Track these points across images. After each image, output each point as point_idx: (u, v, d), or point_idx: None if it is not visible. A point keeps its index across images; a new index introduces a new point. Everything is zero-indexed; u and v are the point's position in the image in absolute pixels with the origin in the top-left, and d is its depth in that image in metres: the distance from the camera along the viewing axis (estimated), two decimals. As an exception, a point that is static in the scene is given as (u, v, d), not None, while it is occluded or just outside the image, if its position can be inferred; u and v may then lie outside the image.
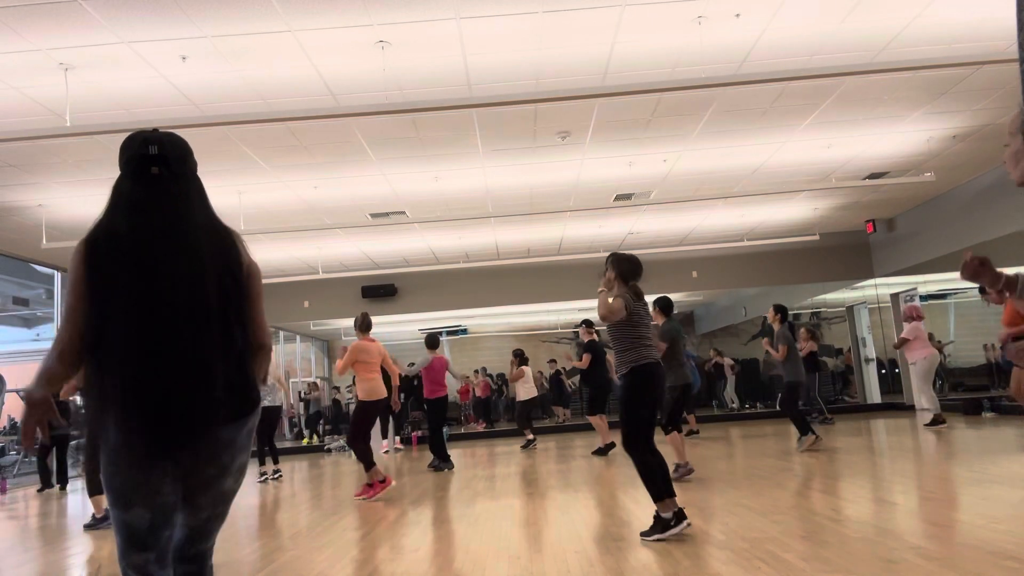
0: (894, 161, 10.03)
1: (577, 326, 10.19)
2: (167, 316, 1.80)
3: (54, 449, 10.36)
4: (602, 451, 9.32)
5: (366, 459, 6.89)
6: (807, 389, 12.11)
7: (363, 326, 7.25)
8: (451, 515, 5.61)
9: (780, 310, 8.49)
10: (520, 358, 11.41)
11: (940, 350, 10.02)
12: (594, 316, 10.86)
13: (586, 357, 9.91)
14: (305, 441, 16.15)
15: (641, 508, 5.23)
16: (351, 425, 7.24)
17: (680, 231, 13.53)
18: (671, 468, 6.63)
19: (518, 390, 11.35)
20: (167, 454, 1.82)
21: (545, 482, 7.11)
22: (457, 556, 4.18)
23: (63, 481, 10.32)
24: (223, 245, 1.93)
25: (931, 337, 10.23)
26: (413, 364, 10.03)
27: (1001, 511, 4.23)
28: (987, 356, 11.73)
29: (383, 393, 7.13)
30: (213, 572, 2.06)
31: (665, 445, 6.86)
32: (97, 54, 5.64)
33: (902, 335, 9.89)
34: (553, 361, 17.13)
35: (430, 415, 9.52)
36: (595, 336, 9.96)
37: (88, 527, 6.27)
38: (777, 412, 14.18)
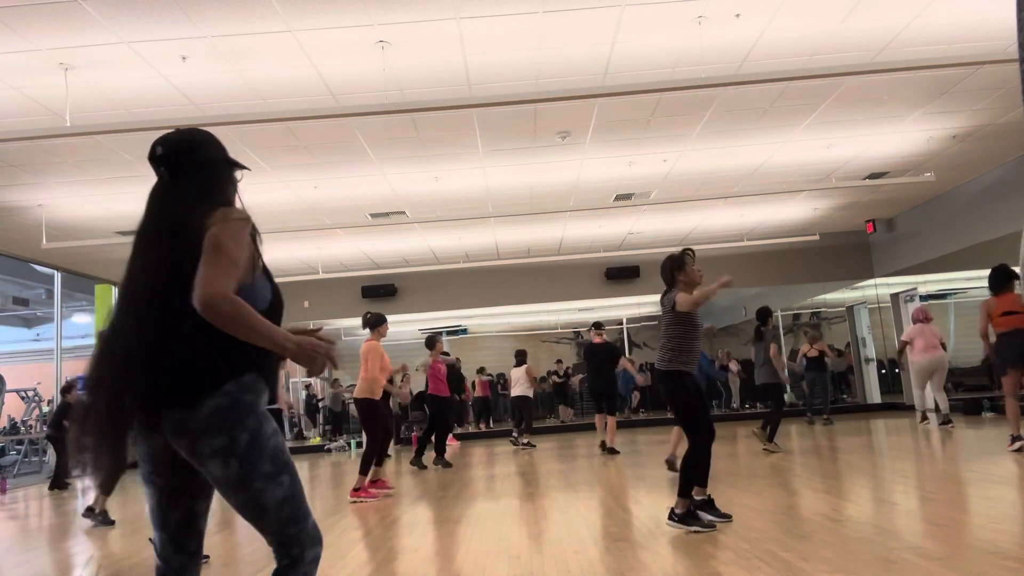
0: (894, 161, 10.03)
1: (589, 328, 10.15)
2: (120, 309, 1.93)
3: (53, 450, 10.34)
4: (608, 448, 9.41)
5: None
6: (810, 387, 12.13)
7: (364, 325, 7.22)
8: (451, 515, 5.61)
9: (756, 314, 8.64)
10: (517, 358, 11.49)
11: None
12: (596, 316, 10.85)
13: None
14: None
15: (641, 508, 5.24)
16: None
17: (680, 231, 13.53)
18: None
19: (511, 388, 11.57)
20: (139, 437, 1.90)
21: (545, 482, 7.11)
22: (457, 556, 4.18)
23: (58, 484, 10.23)
24: (191, 234, 1.87)
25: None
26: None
27: (1001, 511, 4.23)
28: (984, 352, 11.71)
29: (362, 393, 7.00)
30: (304, 567, 1.90)
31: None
32: (97, 54, 5.64)
33: (902, 337, 9.96)
34: (559, 361, 17.15)
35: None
36: (602, 338, 9.92)
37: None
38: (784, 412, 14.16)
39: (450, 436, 13.60)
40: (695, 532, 4.31)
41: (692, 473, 4.43)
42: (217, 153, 2.07)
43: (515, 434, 11.48)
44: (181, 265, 1.85)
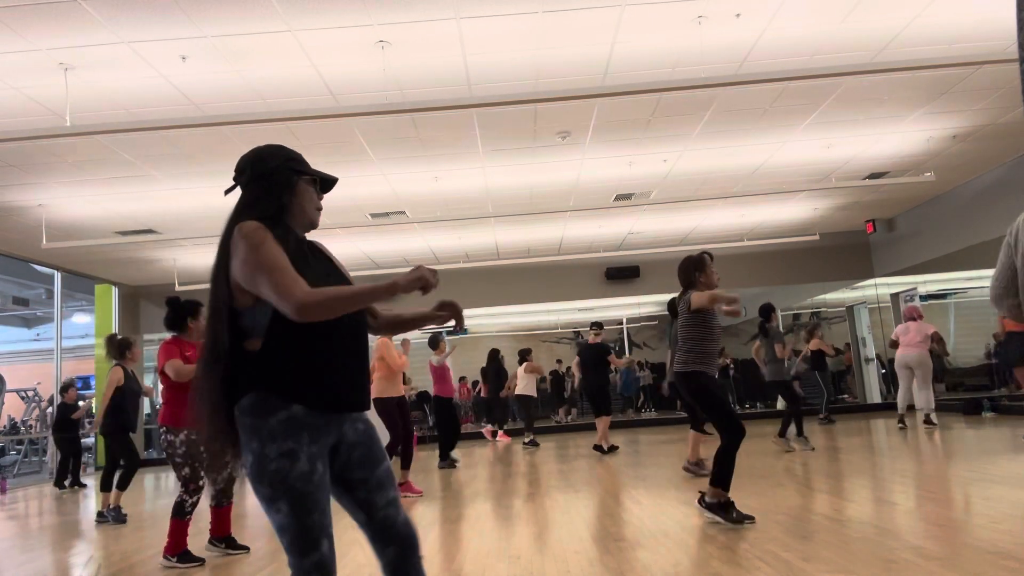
0: (894, 161, 10.03)
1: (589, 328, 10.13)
2: None
3: (57, 449, 10.28)
4: (599, 448, 9.42)
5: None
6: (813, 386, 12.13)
7: None
8: (451, 515, 5.61)
9: (759, 311, 8.75)
10: (520, 357, 11.48)
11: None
12: (596, 316, 10.82)
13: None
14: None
15: (641, 508, 5.24)
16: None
17: (680, 231, 13.53)
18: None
19: (517, 386, 11.51)
20: None
21: (546, 482, 7.11)
22: (457, 556, 4.18)
23: (60, 483, 10.21)
24: (221, 252, 1.95)
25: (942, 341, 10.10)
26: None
27: (1001, 511, 4.23)
28: (987, 347, 11.70)
29: (375, 393, 7.07)
30: None
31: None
32: (97, 54, 5.64)
33: (892, 336, 10.11)
34: (559, 361, 17.14)
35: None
36: (598, 338, 9.90)
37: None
38: (776, 412, 14.18)
39: (501, 432, 13.62)
40: (718, 523, 4.34)
41: (728, 463, 4.42)
42: (270, 164, 2.03)
43: (526, 437, 11.48)
44: (218, 284, 1.92)
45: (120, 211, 9.65)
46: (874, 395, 15.32)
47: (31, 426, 16.56)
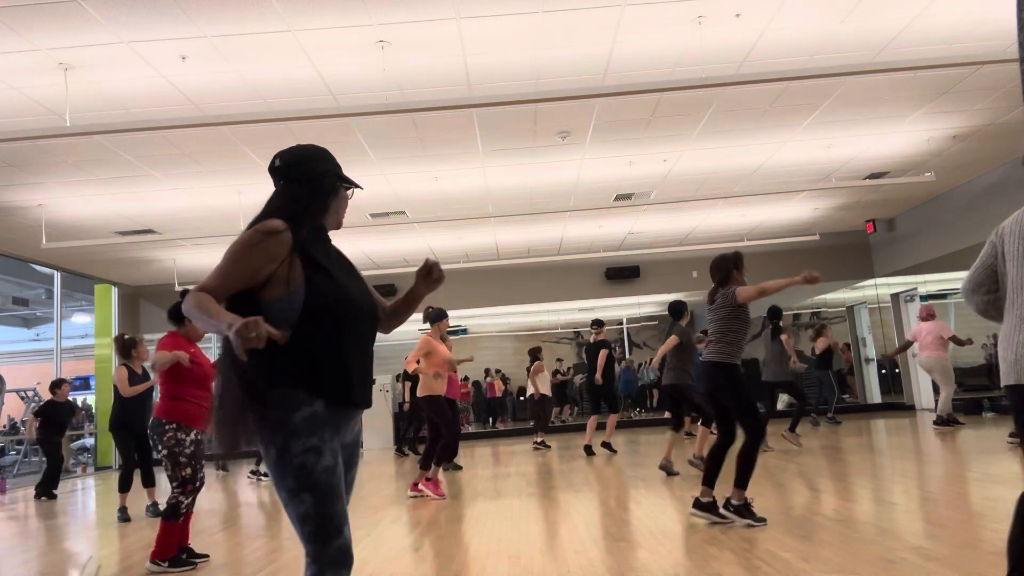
0: (894, 161, 10.03)
1: (590, 326, 10.10)
2: None
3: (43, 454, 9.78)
4: (606, 446, 9.42)
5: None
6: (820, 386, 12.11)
7: (425, 320, 6.94)
8: (451, 515, 5.61)
9: (768, 313, 8.98)
10: (532, 356, 11.40)
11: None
12: (597, 316, 10.81)
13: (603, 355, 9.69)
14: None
15: (641, 508, 5.24)
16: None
17: (680, 231, 13.53)
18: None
19: (537, 385, 11.36)
20: None
21: (546, 482, 7.11)
22: (457, 556, 4.18)
23: (47, 492, 9.37)
24: None
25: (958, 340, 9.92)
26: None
27: (1001, 511, 4.23)
28: (986, 354, 11.70)
29: (420, 391, 6.88)
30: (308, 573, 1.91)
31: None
32: (97, 54, 5.64)
33: (907, 337, 10.14)
34: (560, 360, 17.16)
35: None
36: (598, 336, 9.92)
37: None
38: (778, 412, 14.17)
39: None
40: (749, 526, 4.36)
41: (750, 463, 4.47)
42: (321, 168, 2.15)
43: (537, 437, 11.38)
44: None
45: (120, 211, 9.65)
46: (874, 395, 15.33)
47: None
